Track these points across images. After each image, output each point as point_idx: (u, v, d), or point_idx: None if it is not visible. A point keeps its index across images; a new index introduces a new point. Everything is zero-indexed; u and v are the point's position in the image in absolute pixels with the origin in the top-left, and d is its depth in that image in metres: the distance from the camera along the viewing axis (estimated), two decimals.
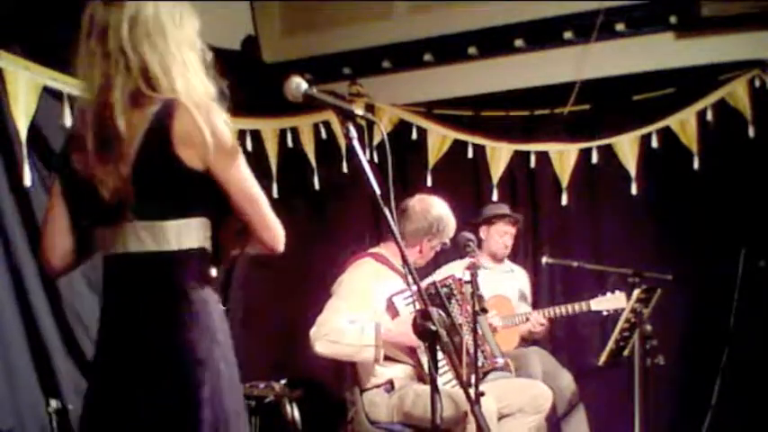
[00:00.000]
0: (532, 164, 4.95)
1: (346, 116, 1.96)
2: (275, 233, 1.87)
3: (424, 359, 3.21)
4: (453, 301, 3.52)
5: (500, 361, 3.58)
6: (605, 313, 4.14)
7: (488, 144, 4.98)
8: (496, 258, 4.59)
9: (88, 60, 1.78)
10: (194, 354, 1.76)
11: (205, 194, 1.80)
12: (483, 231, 4.56)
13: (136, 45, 1.75)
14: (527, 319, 4.29)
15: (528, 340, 4.43)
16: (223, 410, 1.78)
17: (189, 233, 1.79)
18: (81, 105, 1.84)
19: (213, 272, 1.89)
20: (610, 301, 4.12)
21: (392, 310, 3.42)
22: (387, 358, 3.37)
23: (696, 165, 4.52)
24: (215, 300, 1.85)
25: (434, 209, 3.56)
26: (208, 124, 1.73)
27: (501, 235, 4.53)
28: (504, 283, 4.52)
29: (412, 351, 3.40)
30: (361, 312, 3.32)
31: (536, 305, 4.61)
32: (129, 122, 1.74)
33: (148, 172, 1.74)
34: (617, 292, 4.11)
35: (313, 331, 3.27)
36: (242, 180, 1.81)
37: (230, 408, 1.80)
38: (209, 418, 1.75)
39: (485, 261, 4.53)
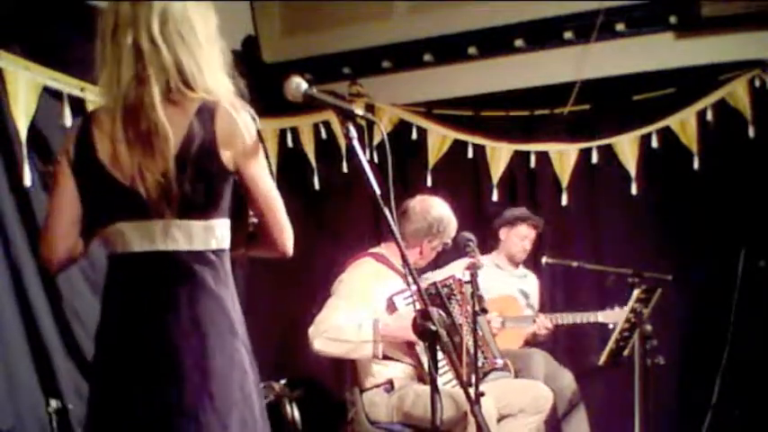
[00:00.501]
0: (532, 164, 4.94)
1: (346, 116, 1.96)
2: (288, 236, 1.88)
3: (424, 359, 3.21)
4: (453, 301, 3.52)
5: (499, 361, 3.58)
6: (611, 326, 4.11)
7: (488, 144, 4.98)
8: (513, 261, 4.57)
9: (115, 58, 1.75)
10: (223, 353, 1.76)
11: (231, 195, 1.81)
12: (503, 233, 4.55)
13: (168, 41, 1.73)
14: (534, 321, 4.27)
15: (531, 343, 4.43)
16: (253, 417, 1.79)
17: (218, 233, 1.79)
18: (106, 104, 1.78)
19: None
20: (618, 315, 4.08)
21: (392, 310, 3.41)
22: (386, 357, 3.37)
23: (696, 165, 4.52)
24: (237, 305, 1.85)
25: (435, 209, 3.56)
26: (245, 126, 1.75)
27: (521, 238, 4.51)
28: (515, 286, 4.52)
29: (411, 348, 3.39)
30: (361, 311, 3.32)
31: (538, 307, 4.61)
32: (169, 119, 1.72)
33: (191, 171, 1.72)
34: (624, 307, 4.05)
35: (311, 329, 3.27)
36: (266, 181, 1.83)
37: (258, 410, 1.81)
38: (238, 419, 1.75)
39: (500, 262, 4.54)
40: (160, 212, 1.74)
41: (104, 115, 1.77)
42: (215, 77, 1.78)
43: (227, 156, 1.75)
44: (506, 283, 4.45)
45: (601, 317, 4.16)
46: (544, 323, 4.24)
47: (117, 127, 1.74)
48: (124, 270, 1.81)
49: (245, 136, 1.75)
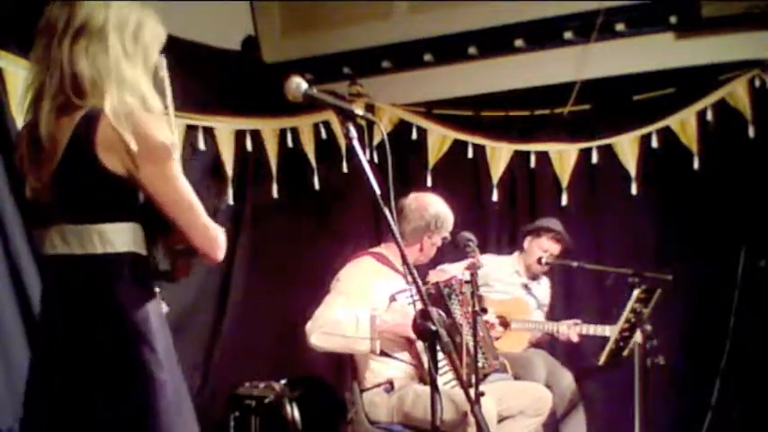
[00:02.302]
0: (532, 164, 4.95)
1: (346, 116, 1.96)
2: (211, 241, 1.85)
3: (425, 358, 3.20)
4: (455, 301, 3.51)
5: (496, 362, 3.58)
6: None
7: (488, 144, 4.98)
8: (530, 271, 4.51)
9: (35, 62, 1.82)
10: (123, 357, 1.76)
11: (133, 200, 1.81)
12: (527, 242, 4.50)
13: (73, 59, 1.77)
14: (559, 330, 4.18)
15: (532, 343, 4.43)
16: (167, 419, 1.76)
17: (116, 237, 1.79)
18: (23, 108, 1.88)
19: (156, 287, 1.89)
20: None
21: None
22: (386, 355, 3.37)
23: (696, 165, 4.52)
24: (152, 304, 1.83)
25: (431, 206, 3.56)
26: (133, 132, 1.73)
27: (543, 250, 4.42)
28: (528, 290, 4.50)
29: (410, 344, 3.39)
30: (359, 307, 3.31)
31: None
32: (57, 128, 1.76)
33: (71, 176, 1.76)
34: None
35: (308, 325, 3.27)
36: (170, 187, 1.79)
37: (174, 419, 1.78)
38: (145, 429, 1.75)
39: (520, 269, 4.51)
40: (51, 218, 1.80)
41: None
42: (115, 95, 1.77)
43: (110, 160, 1.74)
44: (520, 287, 4.44)
45: (609, 331, 4.09)
46: (569, 335, 4.15)
47: (23, 134, 1.85)
48: (43, 271, 1.93)
49: (129, 142, 1.72)
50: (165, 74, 1.92)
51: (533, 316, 4.43)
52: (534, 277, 4.55)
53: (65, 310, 1.79)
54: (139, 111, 1.77)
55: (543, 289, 4.62)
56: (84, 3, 1.80)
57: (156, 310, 1.84)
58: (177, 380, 1.84)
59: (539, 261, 4.43)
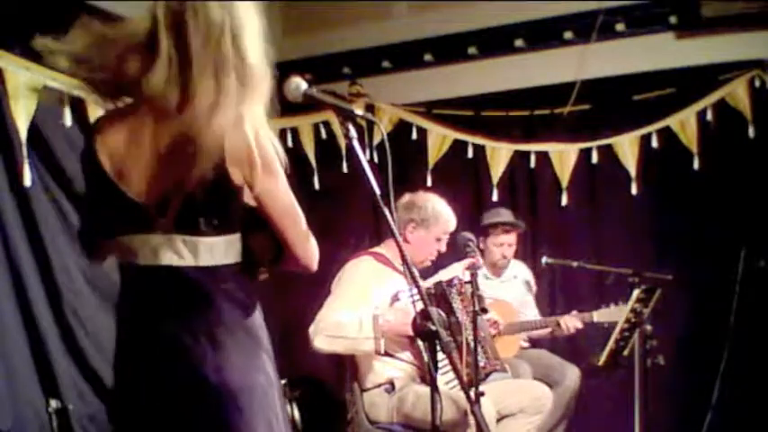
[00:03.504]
0: (532, 164, 4.94)
1: (346, 116, 1.96)
2: (311, 251, 1.85)
3: (426, 358, 3.20)
4: (457, 300, 3.51)
5: (497, 362, 3.58)
6: (606, 325, 4.09)
7: (488, 144, 4.98)
8: (495, 268, 4.51)
9: (181, 63, 1.66)
10: (233, 374, 1.71)
11: (241, 212, 1.77)
12: (482, 243, 4.46)
13: (241, 54, 1.67)
14: (557, 325, 4.19)
15: (534, 343, 4.42)
16: (279, 425, 1.77)
17: (227, 249, 1.76)
18: (139, 107, 1.73)
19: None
20: (612, 314, 4.04)
21: None
22: (388, 355, 3.37)
23: (696, 165, 4.52)
24: (258, 315, 1.82)
25: (420, 200, 3.57)
26: (257, 144, 1.70)
27: (498, 245, 4.43)
28: (506, 291, 4.48)
29: (412, 344, 3.39)
30: (361, 308, 3.31)
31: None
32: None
33: (199, 187, 1.68)
34: (621, 304, 4.03)
35: (311, 328, 3.27)
36: (283, 199, 1.79)
37: (284, 426, 1.79)
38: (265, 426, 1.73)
39: (486, 272, 4.47)
40: (159, 226, 1.72)
41: (119, 122, 1.73)
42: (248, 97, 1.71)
43: (235, 172, 1.70)
44: (498, 290, 4.39)
45: (596, 316, 4.15)
46: (573, 323, 4.16)
47: (148, 139, 1.70)
48: (134, 282, 1.79)
49: (255, 153, 1.69)
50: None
51: (520, 317, 4.40)
52: (499, 274, 4.53)
53: (168, 321, 1.72)
54: (264, 120, 1.73)
55: (521, 280, 4.58)
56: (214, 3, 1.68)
57: (261, 317, 1.83)
58: (276, 392, 1.83)
59: (503, 256, 4.42)
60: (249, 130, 1.69)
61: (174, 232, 1.72)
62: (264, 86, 1.73)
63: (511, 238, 4.46)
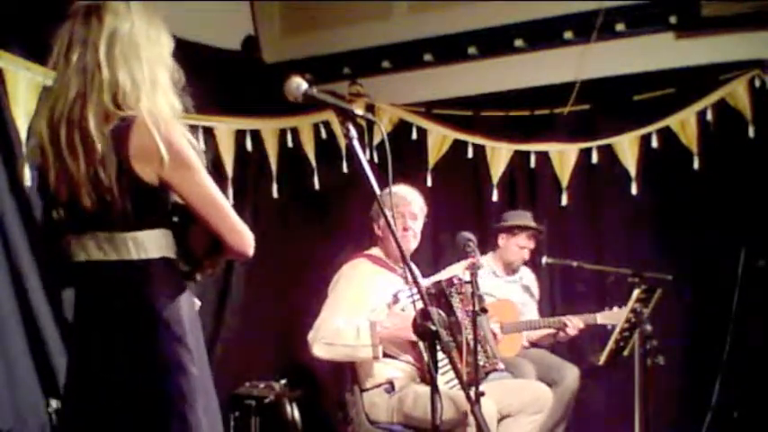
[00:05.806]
0: (532, 164, 4.94)
1: (346, 116, 1.96)
2: (242, 238, 1.88)
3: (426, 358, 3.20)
4: (457, 300, 3.51)
5: (497, 361, 3.58)
6: (609, 327, 4.08)
7: (488, 144, 4.98)
8: (510, 268, 4.51)
9: (65, 74, 1.81)
10: (161, 359, 1.80)
11: (163, 207, 1.84)
12: (502, 239, 4.47)
13: (111, 64, 1.79)
14: (564, 325, 4.16)
15: (534, 342, 4.41)
16: (196, 416, 1.80)
17: (150, 243, 1.82)
18: (52, 117, 1.83)
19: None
20: (615, 316, 4.02)
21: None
22: (388, 356, 3.37)
23: (696, 165, 4.52)
24: (185, 306, 1.87)
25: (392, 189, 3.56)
26: (164, 140, 1.75)
27: (520, 248, 4.43)
28: (509, 290, 4.47)
29: (413, 346, 3.39)
30: (359, 311, 3.31)
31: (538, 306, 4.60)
32: (102, 135, 1.77)
33: (111, 184, 1.77)
34: (623, 306, 3.99)
35: (310, 335, 3.28)
36: (202, 190, 1.83)
37: (203, 415, 1.82)
38: (178, 425, 1.78)
39: (497, 269, 4.48)
40: (87, 226, 1.81)
41: (45, 132, 1.82)
42: (149, 98, 1.80)
43: (143, 169, 1.77)
44: (502, 289, 4.38)
45: (599, 318, 4.14)
46: (577, 324, 4.13)
47: (62, 144, 1.79)
48: (77, 278, 1.89)
49: (162, 150, 1.75)
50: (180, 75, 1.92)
51: (524, 314, 4.41)
52: (512, 273, 4.53)
53: (99, 315, 1.83)
54: (169, 116, 1.80)
55: (527, 281, 4.57)
56: (110, 6, 1.81)
57: (189, 311, 1.88)
58: (207, 379, 1.89)
59: (522, 258, 4.42)
60: (152, 126, 1.75)
61: (97, 231, 1.81)
62: (165, 84, 1.84)
63: (532, 242, 4.48)
